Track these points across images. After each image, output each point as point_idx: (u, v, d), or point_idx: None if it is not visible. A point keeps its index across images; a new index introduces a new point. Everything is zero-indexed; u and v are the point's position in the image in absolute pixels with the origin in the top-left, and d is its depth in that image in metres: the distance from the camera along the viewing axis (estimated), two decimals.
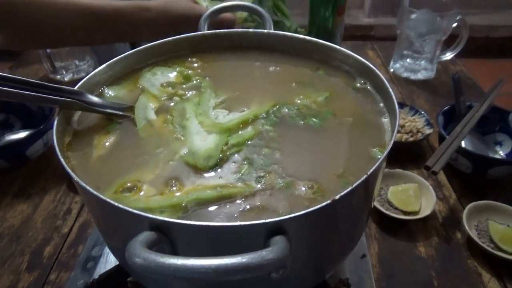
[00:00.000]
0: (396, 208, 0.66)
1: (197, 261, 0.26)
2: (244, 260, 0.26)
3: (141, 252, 0.27)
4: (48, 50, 0.96)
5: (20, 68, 1.13)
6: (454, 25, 0.97)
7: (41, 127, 0.73)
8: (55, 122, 0.41)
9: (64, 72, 1.04)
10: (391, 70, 1.09)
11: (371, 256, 0.60)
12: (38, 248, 0.62)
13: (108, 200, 0.31)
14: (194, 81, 0.53)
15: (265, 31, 0.59)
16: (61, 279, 0.57)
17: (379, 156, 0.40)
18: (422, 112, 0.83)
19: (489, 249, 0.58)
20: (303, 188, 0.39)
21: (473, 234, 0.61)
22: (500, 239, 0.60)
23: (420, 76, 1.05)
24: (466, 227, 0.61)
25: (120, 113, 0.47)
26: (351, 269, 0.55)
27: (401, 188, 0.68)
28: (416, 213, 0.65)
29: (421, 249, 0.62)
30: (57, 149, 0.37)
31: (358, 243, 0.47)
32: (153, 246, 0.30)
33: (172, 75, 0.54)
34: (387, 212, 0.64)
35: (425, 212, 0.64)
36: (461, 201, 0.69)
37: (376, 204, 0.65)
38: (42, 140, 0.75)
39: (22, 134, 0.79)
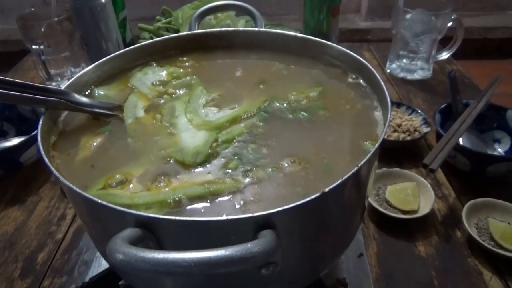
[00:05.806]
0: (394, 207, 0.65)
1: (178, 254, 0.25)
2: (227, 252, 0.25)
3: (122, 248, 0.26)
4: (43, 57, 0.95)
5: (15, 76, 1.13)
6: (450, 24, 0.96)
7: (34, 133, 0.72)
8: (40, 122, 0.40)
9: (59, 79, 1.04)
10: (388, 70, 1.08)
11: (370, 257, 0.59)
12: (31, 255, 0.61)
13: (91, 197, 0.31)
14: (184, 79, 0.53)
15: (256, 29, 0.59)
16: (55, 286, 0.56)
17: (371, 149, 0.39)
18: (419, 111, 0.82)
19: (490, 247, 0.57)
20: (286, 165, 0.39)
21: (473, 232, 0.60)
22: (501, 236, 0.58)
23: (417, 76, 1.04)
24: (466, 225, 0.60)
25: (108, 112, 0.47)
26: (348, 268, 0.54)
27: (399, 187, 0.67)
28: (414, 212, 0.64)
29: (421, 248, 0.61)
30: (41, 148, 0.36)
31: (354, 242, 0.46)
32: (137, 243, 0.29)
33: (163, 74, 0.54)
34: (385, 211, 0.63)
35: (424, 211, 0.63)
36: (460, 199, 0.68)
37: (374, 203, 0.64)
38: (36, 146, 0.74)
39: (16, 141, 0.78)
